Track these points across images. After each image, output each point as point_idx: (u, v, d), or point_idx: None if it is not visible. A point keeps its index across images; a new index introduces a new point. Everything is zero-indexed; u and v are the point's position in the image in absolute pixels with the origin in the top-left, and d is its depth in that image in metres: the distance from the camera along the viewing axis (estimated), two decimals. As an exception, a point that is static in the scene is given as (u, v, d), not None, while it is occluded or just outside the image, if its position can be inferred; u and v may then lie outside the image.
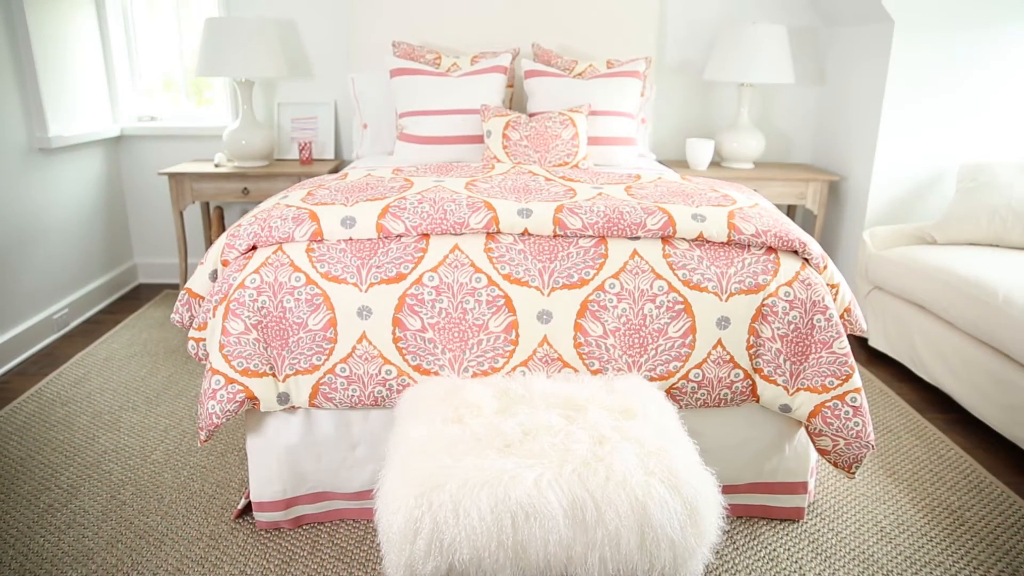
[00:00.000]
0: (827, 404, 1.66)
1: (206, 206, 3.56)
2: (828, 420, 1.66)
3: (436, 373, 1.64)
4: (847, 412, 1.65)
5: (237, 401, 1.60)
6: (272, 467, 1.74)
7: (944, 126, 3.05)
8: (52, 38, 3.04)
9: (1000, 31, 2.92)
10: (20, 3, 2.83)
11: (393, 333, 1.62)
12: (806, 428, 1.72)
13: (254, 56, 3.09)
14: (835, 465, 1.74)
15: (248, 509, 1.85)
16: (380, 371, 1.63)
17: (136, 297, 3.62)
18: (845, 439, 1.66)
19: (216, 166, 3.27)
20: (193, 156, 3.66)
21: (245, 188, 3.22)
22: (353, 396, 1.65)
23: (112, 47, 3.49)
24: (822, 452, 1.73)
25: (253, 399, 1.62)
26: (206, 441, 1.63)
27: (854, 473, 1.73)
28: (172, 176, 3.21)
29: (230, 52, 3.06)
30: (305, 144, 3.38)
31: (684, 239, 1.72)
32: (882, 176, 3.12)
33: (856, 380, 1.65)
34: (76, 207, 3.28)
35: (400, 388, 1.64)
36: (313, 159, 3.52)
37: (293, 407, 1.69)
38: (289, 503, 1.78)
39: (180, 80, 3.71)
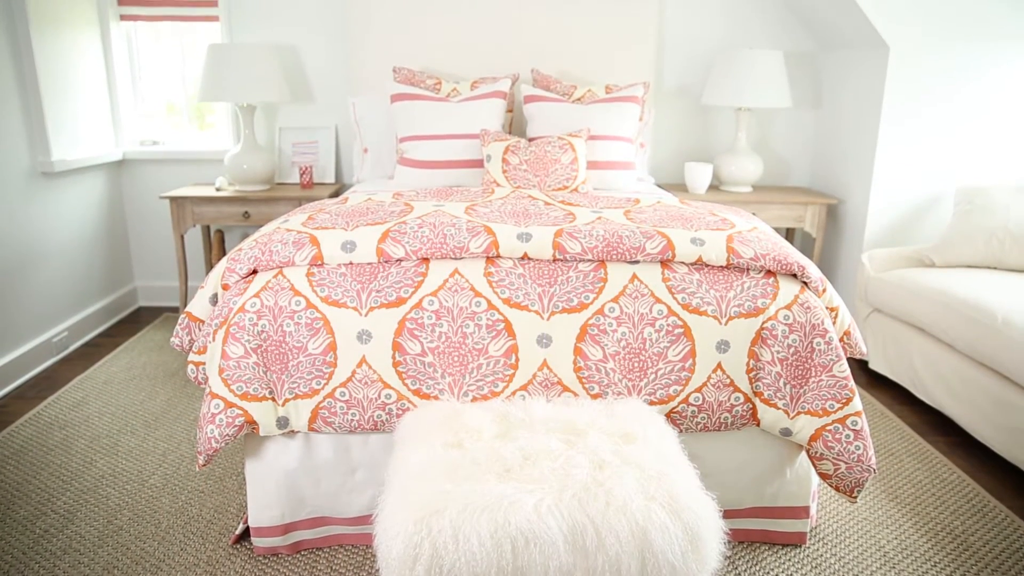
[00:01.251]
0: (828, 428, 1.65)
1: (207, 229, 3.57)
2: (829, 444, 1.65)
3: (436, 397, 1.64)
4: (848, 436, 1.64)
5: (236, 425, 1.60)
6: (271, 492, 1.73)
7: (940, 149, 3.08)
8: (57, 63, 3.07)
9: (994, 55, 2.96)
10: (26, 28, 2.87)
11: (393, 357, 1.62)
12: (807, 452, 1.72)
13: (256, 82, 3.12)
14: (837, 489, 1.73)
15: (246, 534, 1.84)
16: (380, 395, 1.63)
17: (136, 320, 3.62)
18: (846, 463, 1.66)
19: (217, 190, 3.29)
20: (194, 180, 3.68)
21: (246, 212, 3.23)
22: (352, 420, 1.65)
23: (116, 72, 3.52)
24: (824, 476, 1.72)
25: (252, 423, 1.62)
26: (204, 465, 1.62)
27: (856, 497, 1.73)
28: (173, 200, 3.23)
29: (232, 78, 3.09)
30: (306, 168, 3.40)
31: (683, 263, 1.72)
32: (880, 199, 3.14)
33: (857, 403, 1.65)
34: (77, 230, 3.29)
35: (400, 412, 1.64)
36: (314, 183, 3.54)
37: (292, 431, 1.68)
38: (287, 528, 1.77)
39: (182, 104, 3.75)
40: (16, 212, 2.86)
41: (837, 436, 1.65)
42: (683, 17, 3.53)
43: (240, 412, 1.60)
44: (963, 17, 2.91)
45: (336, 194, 3.45)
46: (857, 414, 1.65)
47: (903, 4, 2.90)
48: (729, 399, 1.67)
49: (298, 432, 1.70)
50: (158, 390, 2.73)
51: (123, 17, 3.52)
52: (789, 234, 3.69)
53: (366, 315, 1.62)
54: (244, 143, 3.27)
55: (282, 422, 1.65)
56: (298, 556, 1.79)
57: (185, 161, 3.66)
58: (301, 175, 3.40)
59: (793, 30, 3.54)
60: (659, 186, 3.47)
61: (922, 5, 2.90)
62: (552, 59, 3.41)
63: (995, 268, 2.69)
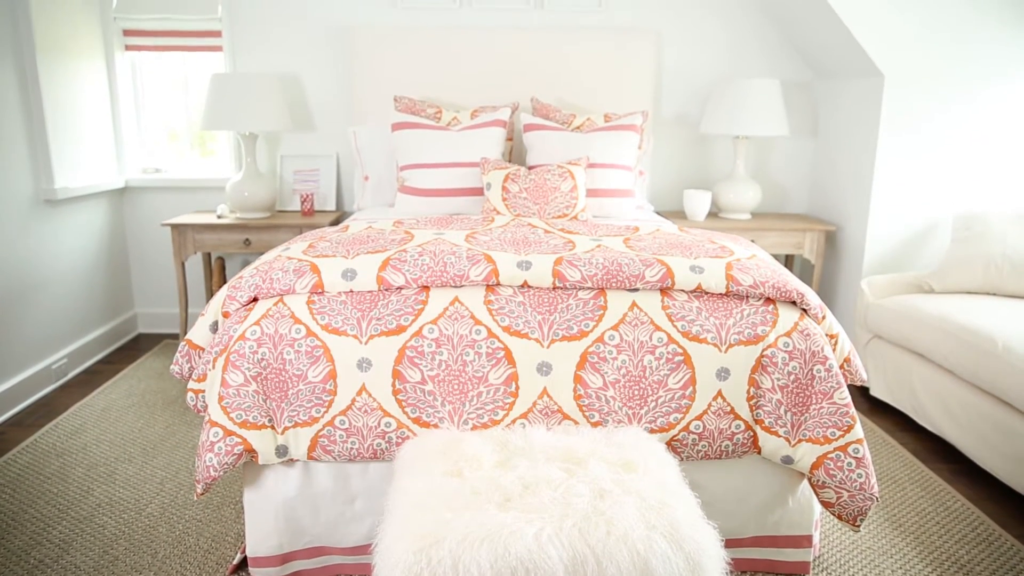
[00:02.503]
0: (829, 456, 1.64)
1: (208, 257, 3.59)
2: (831, 472, 1.64)
3: (436, 425, 1.63)
4: (850, 464, 1.63)
5: (235, 454, 1.59)
6: (269, 521, 1.72)
7: (937, 176, 3.10)
8: (62, 91, 3.11)
9: (988, 83, 2.99)
10: (32, 58, 2.91)
11: (393, 385, 1.62)
12: (809, 480, 1.71)
13: (258, 110, 3.15)
14: (839, 518, 1.72)
15: (244, 564, 1.82)
16: (379, 423, 1.62)
17: (135, 347, 3.61)
18: (849, 491, 1.65)
19: (218, 217, 3.31)
20: (196, 207, 3.70)
21: (247, 239, 3.25)
22: (352, 449, 1.64)
23: (120, 100, 3.56)
24: (826, 505, 1.71)
25: (251, 452, 1.61)
26: (202, 494, 1.61)
27: (859, 526, 1.71)
28: (175, 227, 3.24)
29: (235, 107, 3.12)
30: (307, 196, 3.43)
31: (683, 291, 1.73)
32: (878, 225, 3.15)
33: (858, 431, 1.65)
34: (79, 257, 3.30)
35: (399, 441, 1.63)
36: (315, 211, 3.56)
37: (291, 460, 1.67)
38: (285, 558, 1.75)
39: (185, 132, 3.78)
40: (18, 239, 2.87)
41: (839, 464, 1.64)
42: (681, 47, 3.57)
43: (239, 440, 1.59)
44: (957, 45, 2.95)
45: (337, 222, 3.47)
46: (859, 441, 1.64)
47: (897, 33, 2.94)
48: (730, 427, 1.67)
49: (297, 460, 1.69)
50: (157, 418, 2.72)
51: (128, 47, 3.56)
52: (788, 261, 3.70)
53: (366, 343, 1.62)
54: (246, 171, 3.29)
55: (281, 450, 1.64)
56: (296, 587, 1.77)
57: (187, 188, 3.69)
58: (302, 203, 3.42)
59: (789, 59, 3.59)
60: (658, 213, 3.49)
61: (916, 34, 2.94)
62: (551, 88, 3.45)
63: (994, 294, 2.69)
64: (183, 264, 3.30)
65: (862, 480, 1.64)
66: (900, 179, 3.10)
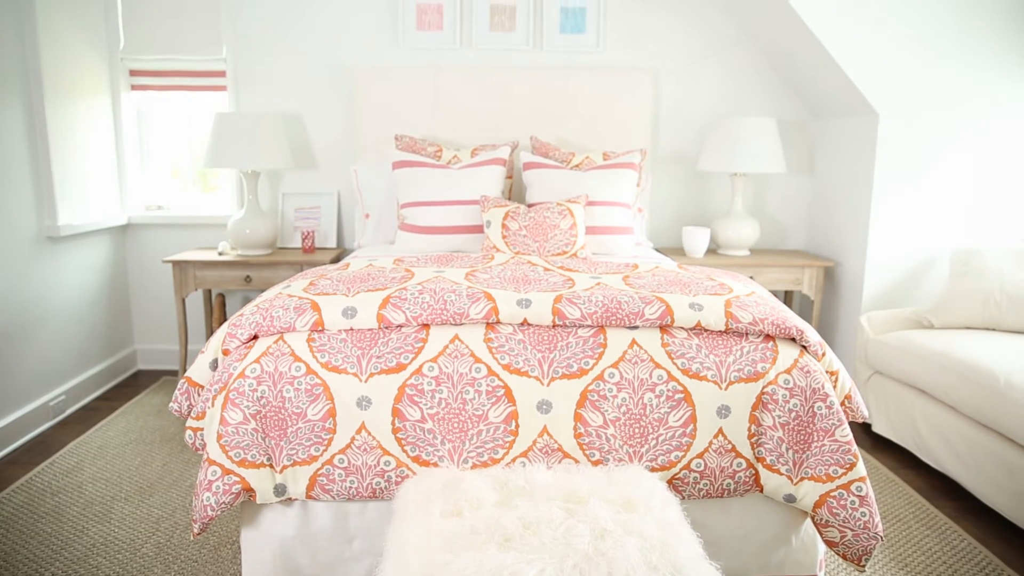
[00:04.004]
0: (832, 494, 1.63)
1: (208, 294, 3.59)
2: (834, 510, 1.63)
3: (435, 464, 1.62)
4: (853, 502, 1.62)
5: (233, 493, 1.58)
6: (266, 561, 1.70)
7: (934, 211, 3.12)
8: (68, 129, 3.15)
9: (981, 120, 3.03)
10: (40, 96, 2.95)
11: (392, 424, 1.61)
12: (812, 519, 1.69)
13: (261, 149, 3.19)
14: (844, 558, 1.69)
15: (240, 607, 1.79)
16: (379, 462, 1.61)
17: (134, 384, 3.60)
18: (853, 530, 1.63)
19: (220, 254, 3.32)
20: (197, 244, 3.72)
21: (248, 276, 3.26)
22: (351, 488, 1.63)
23: (124, 139, 3.61)
24: (830, 544, 1.69)
25: (249, 491, 1.60)
26: (199, 534, 1.59)
27: (864, 566, 1.69)
28: (176, 264, 3.25)
29: (238, 145, 3.16)
30: (308, 233, 3.45)
31: (682, 328, 1.73)
32: (876, 261, 3.17)
33: (860, 469, 1.63)
34: (79, 294, 3.31)
35: (399, 479, 1.62)
36: (315, 248, 3.58)
37: (290, 499, 1.66)
38: (282, 601, 1.73)
39: (187, 169, 3.82)
40: (20, 276, 2.88)
41: (842, 502, 1.62)
42: (678, 85, 3.63)
43: (237, 479, 1.58)
44: (950, 84, 3.00)
45: (337, 259, 3.49)
46: (861, 479, 1.63)
47: (891, 73, 2.99)
48: (731, 465, 1.65)
49: (295, 500, 1.67)
50: (154, 456, 2.70)
51: (134, 87, 3.62)
52: (787, 297, 3.71)
53: (366, 381, 1.62)
54: (247, 208, 3.32)
55: (280, 489, 1.63)
56: (292, 630, 1.74)
57: (188, 226, 3.71)
58: (303, 240, 3.44)
59: (785, 98, 3.64)
60: (657, 250, 3.51)
61: (910, 73, 2.99)
62: (551, 127, 3.49)
63: (994, 329, 2.70)
64: (183, 301, 3.30)
65: (866, 519, 1.62)
66: (897, 215, 3.12)
